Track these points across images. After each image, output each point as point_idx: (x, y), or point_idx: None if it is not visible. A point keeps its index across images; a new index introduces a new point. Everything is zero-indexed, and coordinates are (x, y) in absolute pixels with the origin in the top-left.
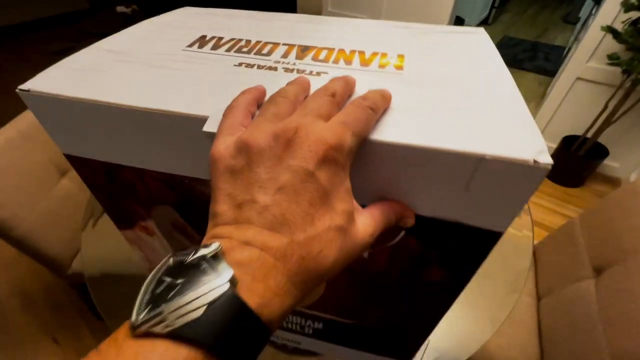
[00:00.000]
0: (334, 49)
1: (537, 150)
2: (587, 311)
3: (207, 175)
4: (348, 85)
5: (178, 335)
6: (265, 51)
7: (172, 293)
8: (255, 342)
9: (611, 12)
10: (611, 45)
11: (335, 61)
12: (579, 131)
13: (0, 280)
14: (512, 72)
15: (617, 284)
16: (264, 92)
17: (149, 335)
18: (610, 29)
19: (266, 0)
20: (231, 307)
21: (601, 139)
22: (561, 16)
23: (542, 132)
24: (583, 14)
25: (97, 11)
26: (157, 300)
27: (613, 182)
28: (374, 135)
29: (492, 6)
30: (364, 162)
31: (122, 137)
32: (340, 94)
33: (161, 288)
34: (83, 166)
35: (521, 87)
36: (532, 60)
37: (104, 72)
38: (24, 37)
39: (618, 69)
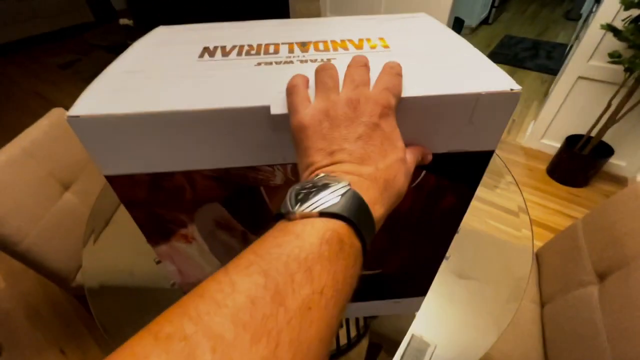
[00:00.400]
0: (327, 41)
1: (510, 83)
2: (591, 318)
3: (264, 161)
4: (365, 58)
5: (327, 213)
6: (271, 51)
7: (312, 194)
8: (371, 232)
9: (611, 9)
10: (612, 43)
11: (335, 49)
12: (582, 130)
13: (7, 293)
14: (513, 71)
15: (621, 290)
16: (307, 77)
17: (305, 217)
18: (610, 27)
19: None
20: (355, 197)
21: (606, 138)
22: (562, 13)
23: (545, 131)
24: (585, 10)
25: (102, 24)
26: (303, 200)
27: (620, 181)
28: (405, 93)
29: (492, 6)
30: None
31: (176, 144)
32: (368, 64)
33: (301, 195)
34: (125, 184)
35: (524, 86)
36: (533, 58)
37: (138, 90)
38: (30, 51)
39: (620, 67)
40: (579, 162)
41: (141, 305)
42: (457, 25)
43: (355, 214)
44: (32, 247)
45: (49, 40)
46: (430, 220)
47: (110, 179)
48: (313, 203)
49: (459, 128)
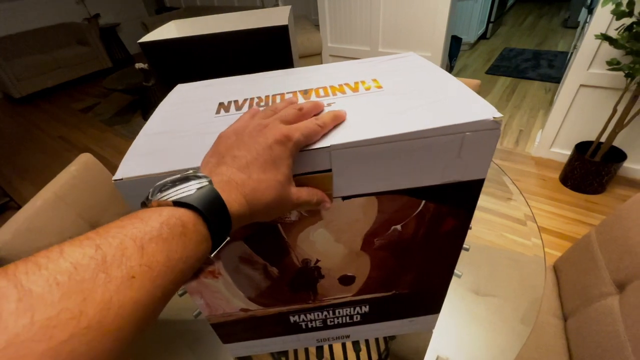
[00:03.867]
0: (326, 86)
1: (492, 112)
2: (614, 330)
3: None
4: (316, 106)
5: (178, 202)
6: (278, 100)
7: (173, 186)
8: (224, 224)
9: (604, 19)
10: (610, 50)
11: (334, 93)
12: (591, 137)
13: None
14: (517, 82)
15: (638, 299)
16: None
17: (161, 205)
18: (605, 37)
19: (263, 56)
20: (210, 192)
21: (616, 142)
22: (560, 22)
23: (554, 140)
24: (582, 18)
25: (119, 68)
26: (162, 190)
27: (636, 184)
28: (399, 129)
29: (489, 21)
30: (389, 156)
31: None
32: (307, 110)
33: (165, 187)
34: None
35: (528, 96)
36: (535, 68)
37: (168, 150)
38: (54, 98)
39: (620, 73)
40: (592, 169)
41: (164, 336)
42: (455, 43)
43: (206, 205)
44: None
45: (71, 87)
46: (434, 242)
47: None
48: (170, 193)
49: (449, 162)
